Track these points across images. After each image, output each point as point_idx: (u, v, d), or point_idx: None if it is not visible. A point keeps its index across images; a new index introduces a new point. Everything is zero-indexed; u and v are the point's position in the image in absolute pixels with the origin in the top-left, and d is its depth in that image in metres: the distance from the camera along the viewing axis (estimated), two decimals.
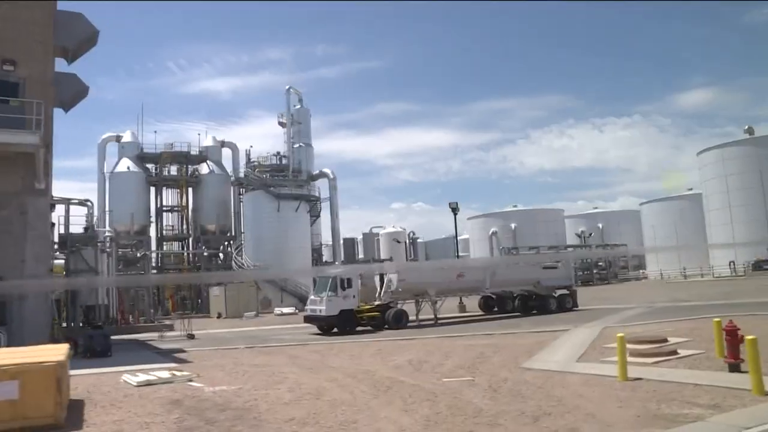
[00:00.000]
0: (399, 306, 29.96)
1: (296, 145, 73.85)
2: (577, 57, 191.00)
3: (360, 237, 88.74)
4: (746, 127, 60.94)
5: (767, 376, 9.84)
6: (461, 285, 31.96)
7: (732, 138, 63.13)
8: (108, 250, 39.59)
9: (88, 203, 40.52)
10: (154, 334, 32.55)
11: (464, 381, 12.69)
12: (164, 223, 73.58)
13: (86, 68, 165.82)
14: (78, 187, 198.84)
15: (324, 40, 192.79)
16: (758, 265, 54.03)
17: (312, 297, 29.87)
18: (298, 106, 75.94)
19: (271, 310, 50.98)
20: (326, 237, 78.31)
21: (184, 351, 23.30)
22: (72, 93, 28.72)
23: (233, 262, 64.30)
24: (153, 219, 72.98)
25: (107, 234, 39.29)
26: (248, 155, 73.25)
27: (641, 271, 75.72)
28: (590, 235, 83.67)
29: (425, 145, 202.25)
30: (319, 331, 28.97)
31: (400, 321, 29.09)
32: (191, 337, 30.32)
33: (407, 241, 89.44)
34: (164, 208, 73.60)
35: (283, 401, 11.51)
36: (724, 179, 60.24)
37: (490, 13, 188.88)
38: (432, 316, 30.82)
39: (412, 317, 29.82)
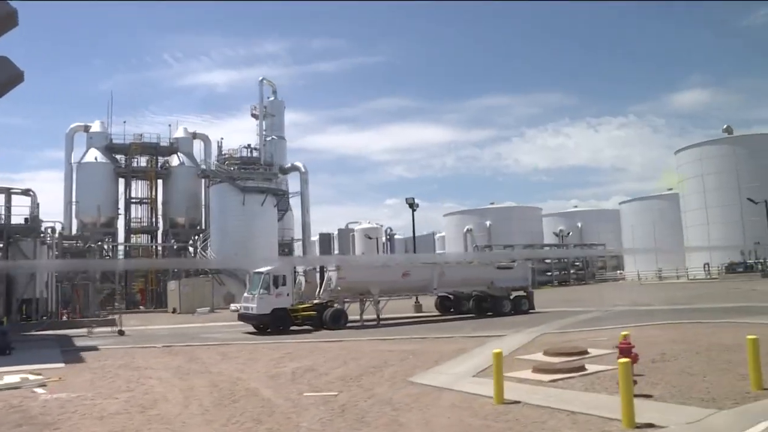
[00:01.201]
0: (339, 305, 28.30)
1: (269, 138, 72.11)
2: (573, 55, 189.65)
3: (336, 232, 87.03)
4: (725, 126, 59.54)
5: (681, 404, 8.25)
6: (407, 284, 30.31)
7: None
8: (49, 241, 37.88)
9: (31, 193, 38.81)
10: (98, 330, 30.92)
11: (326, 396, 11.13)
12: (133, 216, 71.81)
13: (83, 59, 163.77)
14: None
15: (321, 34, 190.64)
16: (731, 268, 52.66)
17: (245, 294, 28.25)
18: (272, 98, 74.08)
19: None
20: (299, 232, 76.45)
21: (96, 349, 22.27)
22: (3, 79, 26.97)
23: (197, 256, 62.56)
24: (122, 211, 71.24)
25: (49, 225, 37.47)
26: (219, 147, 71.49)
27: (619, 271, 74.24)
28: (569, 234, 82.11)
29: (421, 141, 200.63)
30: (255, 330, 27.48)
31: (338, 321, 27.46)
32: (121, 333, 29.13)
33: (385, 238, 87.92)
34: (133, 200, 71.74)
35: (104, 414, 10.45)
36: (701, 179, 58.73)
37: (487, 11, 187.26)
38: (392, 316, 29.40)
39: (356, 317, 28.35)
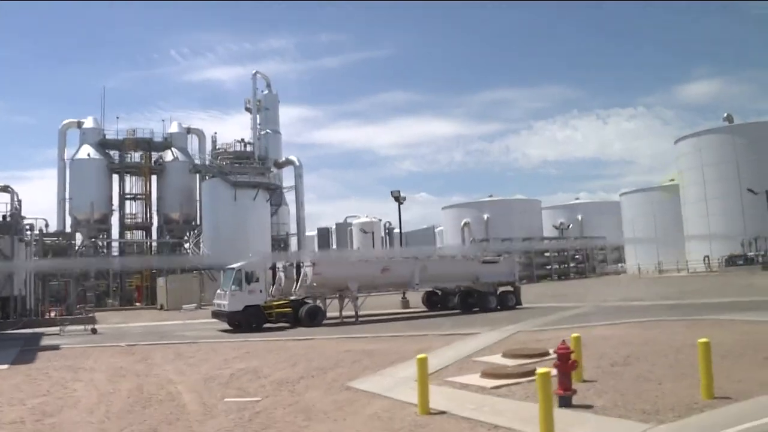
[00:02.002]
0: (315, 302, 27.45)
1: (263, 132, 71.26)
2: (581, 48, 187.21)
3: (334, 227, 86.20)
4: (725, 114, 57.96)
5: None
6: (387, 280, 29.34)
7: None
8: (27, 238, 37.21)
9: (9, 190, 38.20)
10: (71, 328, 30.29)
11: (246, 402, 10.36)
12: (127, 212, 71.20)
13: (90, 58, 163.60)
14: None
15: (327, 29, 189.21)
16: (731, 261, 51.32)
17: (218, 291, 27.44)
18: (266, 92, 73.12)
19: None
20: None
21: (57, 349, 21.67)
22: None
23: (189, 252, 61.93)
24: (116, 207, 70.64)
25: (29, 223, 36.77)
26: (214, 142, 70.81)
27: (620, 264, 72.93)
28: (569, 227, 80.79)
29: (428, 136, 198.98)
30: (230, 327, 26.69)
31: (314, 318, 26.65)
32: (94, 332, 28.59)
33: (384, 232, 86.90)
34: (127, 196, 71.07)
35: None
36: (701, 170, 57.22)
37: (494, 3, 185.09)
38: (374, 312, 28.83)
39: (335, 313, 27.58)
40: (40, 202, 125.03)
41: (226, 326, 27.18)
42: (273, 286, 30.56)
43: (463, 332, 21.28)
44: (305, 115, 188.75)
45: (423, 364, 9.06)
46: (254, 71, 70.93)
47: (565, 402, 8.72)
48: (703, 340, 8.67)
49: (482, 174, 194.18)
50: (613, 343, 15.49)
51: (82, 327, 29.56)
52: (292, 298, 27.63)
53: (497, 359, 13.76)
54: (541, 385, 6.91)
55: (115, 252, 69.02)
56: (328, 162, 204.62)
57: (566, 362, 8.65)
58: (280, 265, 31.65)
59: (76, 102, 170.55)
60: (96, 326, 30.37)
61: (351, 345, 18.83)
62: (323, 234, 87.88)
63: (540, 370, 7.26)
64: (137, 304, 60.86)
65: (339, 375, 13.00)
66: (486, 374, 11.54)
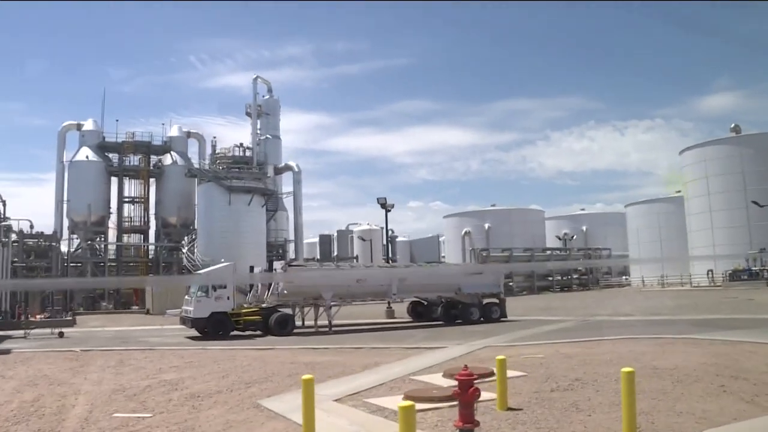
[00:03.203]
0: (286, 310, 26.48)
1: (263, 137, 70.59)
2: (598, 58, 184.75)
3: (335, 234, 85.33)
4: (732, 125, 56.19)
5: None
6: (363, 289, 28.25)
7: None
8: (5, 239, 36.63)
9: None
10: (40, 331, 29.61)
11: (132, 419, 9.45)
12: (125, 215, 70.79)
13: (103, 60, 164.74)
14: None
15: (344, 36, 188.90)
16: (735, 276, 49.56)
17: (186, 297, 26.56)
18: (268, 97, 72.52)
19: None
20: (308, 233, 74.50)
21: (8, 353, 20.93)
22: None
23: (184, 257, 61.22)
24: (114, 210, 70.26)
25: (5, 224, 36.21)
26: (213, 147, 70.23)
27: (624, 277, 71.15)
28: (572, 237, 79.08)
29: (444, 144, 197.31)
30: (199, 334, 25.88)
31: (284, 327, 25.69)
32: (61, 335, 27.90)
33: (385, 240, 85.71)
34: (125, 200, 70.64)
35: None
36: (705, 181, 55.49)
37: (511, 14, 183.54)
38: (353, 322, 28.12)
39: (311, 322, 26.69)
40: (40, 204, 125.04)
41: (196, 333, 26.41)
42: (250, 293, 29.75)
43: (429, 346, 20.27)
44: (323, 122, 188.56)
45: (308, 386, 7.99)
46: (255, 76, 70.31)
47: None
48: (627, 370, 7.49)
49: (498, 183, 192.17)
50: (572, 362, 14.31)
51: (49, 330, 28.84)
52: (263, 305, 26.68)
53: (437, 379, 12.66)
54: (403, 420, 5.80)
55: (111, 255, 68.66)
56: (345, 169, 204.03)
57: (467, 390, 7.52)
58: (257, 270, 30.73)
59: (83, 103, 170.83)
60: (65, 330, 29.60)
61: (302, 357, 17.85)
62: (325, 241, 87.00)
63: (401, 403, 6.15)
64: (134, 307, 60.23)
65: (261, 390, 12.02)
66: (408, 397, 10.41)
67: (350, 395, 11.18)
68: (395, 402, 10.25)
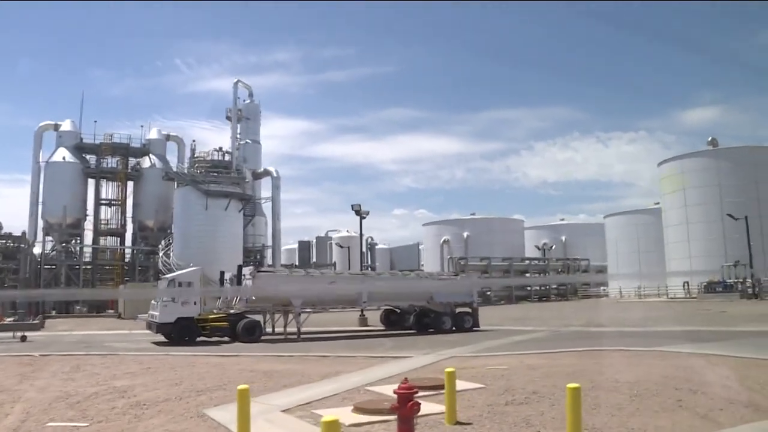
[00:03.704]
0: (254, 317, 26.05)
1: (242, 142, 70.09)
2: (583, 70, 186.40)
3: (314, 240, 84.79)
4: (710, 138, 56.84)
5: None
6: (333, 297, 27.89)
7: None
8: None
9: None
10: (3, 334, 28.92)
11: (69, 428, 9.08)
12: (101, 217, 69.88)
13: (89, 62, 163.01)
14: None
15: (332, 43, 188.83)
16: (710, 288, 49.91)
17: (152, 301, 26.04)
18: (248, 101, 72.07)
19: None
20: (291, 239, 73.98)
21: None
22: None
23: (160, 261, 60.42)
24: (90, 212, 69.27)
25: None
26: (193, 150, 69.51)
27: (602, 288, 71.41)
28: (552, 247, 79.29)
29: (430, 152, 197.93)
30: (166, 340, 25.35)
31: (251, 333, 25.25)
32: (23, 339, 27.53)
33: (366, 247, 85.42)
34: (102, 202, 69.84)
35: None
36: (683, 193, 55.93)
37: (498, 24, 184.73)
38: (323, 329, 27.83)
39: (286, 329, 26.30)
40: (19, 206, 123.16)
41: (162, 338, 25.90)
42: (219, 298, 29.33)
43: (394, 355, 19.92)
44: (309, 128, 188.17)
45: (243, 396, 7.63)
46: (235, 80, 69.82)
47: None
48: (573, 385, 7.22)
49: (483, 193, 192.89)
50: (534, 375, 14.04)
51: (11, 334, 28.15)
52: (231, 311, 26.23)
53: (391, 390, 12.31)
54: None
55: (87, 257, 67.62)
56: (330, 175, 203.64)
57: (405, 405, 7.21)
58: (227, 276, 30.28)
59: (67, 105, 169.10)
60: (29, 334, 28.98)
61: (263, 364, 17.40)
62: (304, 247, 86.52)
63: (326, 418, 5.82)
64: (110, 311, 59.22)
65: (211, 399, 11.61)
66: (357, 408, 10.10)
67: (300, 405, 10.80)
68: (344, 414, 9.96)
